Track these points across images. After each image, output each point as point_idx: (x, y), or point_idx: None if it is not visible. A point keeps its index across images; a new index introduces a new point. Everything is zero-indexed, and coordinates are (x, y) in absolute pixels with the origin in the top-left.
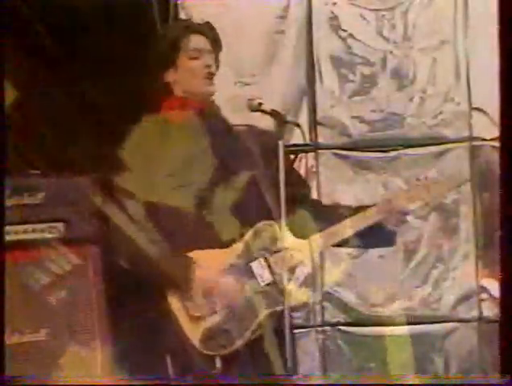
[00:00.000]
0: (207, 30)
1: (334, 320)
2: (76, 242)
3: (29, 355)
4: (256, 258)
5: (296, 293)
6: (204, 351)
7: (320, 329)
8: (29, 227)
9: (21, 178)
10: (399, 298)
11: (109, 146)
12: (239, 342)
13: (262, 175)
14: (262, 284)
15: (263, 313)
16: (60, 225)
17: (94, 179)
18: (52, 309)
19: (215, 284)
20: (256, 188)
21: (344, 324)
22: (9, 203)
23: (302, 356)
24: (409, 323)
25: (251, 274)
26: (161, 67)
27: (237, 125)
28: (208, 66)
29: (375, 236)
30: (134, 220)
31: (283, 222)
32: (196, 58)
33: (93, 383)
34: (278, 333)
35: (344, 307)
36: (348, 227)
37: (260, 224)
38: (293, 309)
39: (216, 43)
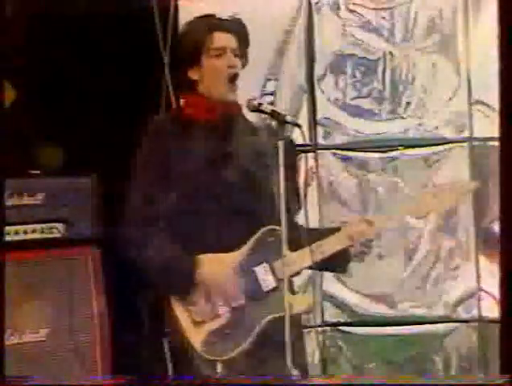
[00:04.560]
0: (233, 26)
1: (334, 320)
2: (76, 242)
3: (29, 355)
4: (260, 263)
5: (299, 299)
6: (206, 356)
7: (319, 329)
8: (29, 227)
9: (21, 179)
10: (399, 298)
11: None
12: (241, 348)
13: (277, 181)
14: (266, 289)
15: (266, 318)
16: (60, 225)
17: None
18: (52, 309)
19: (218, 288)
20: (269, 193)
21: (344, 324)
22: (9, 203)
23: None
24: (409, 323)
25: (255, 279)
26: (184, 64)
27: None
28: (232, 66)
29: (330, 260)
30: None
31: (283, 225)
32: (219, 56)
33: (93, 383)
34: (282, 338)
35: (344, 307)
36: (318, 251)
37: (265, 229)
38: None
39: (243, 40)
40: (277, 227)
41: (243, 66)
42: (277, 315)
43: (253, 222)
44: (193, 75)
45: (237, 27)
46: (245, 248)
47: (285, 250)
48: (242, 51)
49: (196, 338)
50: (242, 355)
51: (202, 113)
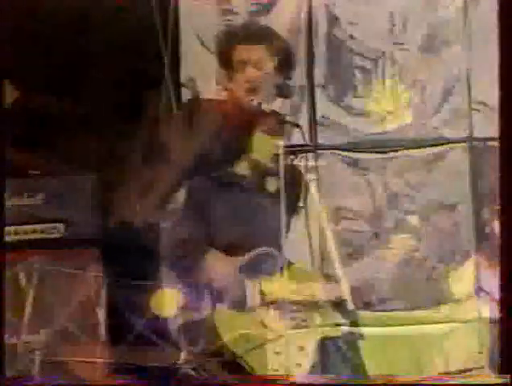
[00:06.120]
0: (260, 36)
1: (334, 320)
2: (76, 242)
3: (29, 355)
4: (251, 279)
5: (273, 325)
6: (176, 343)
7: (319, 329)
8: (29, 227)
9: (21, 179)
10: (399, 298)
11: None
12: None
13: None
14: (249, 304)
15: (238, 332)
16: (60, 225)
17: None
18: (52, 309)
19: (220, 282)
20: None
21: (344, 324)
22: (9, 203)
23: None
24: (409, 323)
25: (243, 290)
26: (221, 80)
27: None
28: (249, 81)
29: None
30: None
31: (283, 230)
32: (238, 70)
33: (93, 384)
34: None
35: (343, 307)
36: None
37: (262, 250)
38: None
39: (275, 48)
40: (274, 251)
41: (280, 72)
42: (247, 332)
43: (255, 232)
44: (228, 86)
45: (264, 36)
46: (243, 259)
47: (278, 273)
48: (276, 59)
49: (174, 323)
50: (208, 356)
51: (225, 107)
